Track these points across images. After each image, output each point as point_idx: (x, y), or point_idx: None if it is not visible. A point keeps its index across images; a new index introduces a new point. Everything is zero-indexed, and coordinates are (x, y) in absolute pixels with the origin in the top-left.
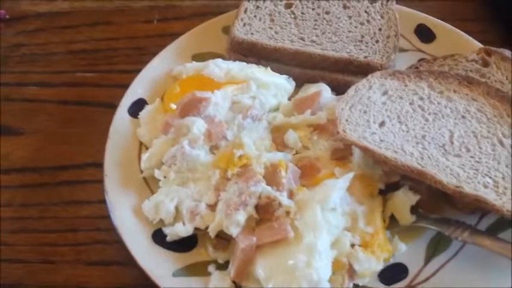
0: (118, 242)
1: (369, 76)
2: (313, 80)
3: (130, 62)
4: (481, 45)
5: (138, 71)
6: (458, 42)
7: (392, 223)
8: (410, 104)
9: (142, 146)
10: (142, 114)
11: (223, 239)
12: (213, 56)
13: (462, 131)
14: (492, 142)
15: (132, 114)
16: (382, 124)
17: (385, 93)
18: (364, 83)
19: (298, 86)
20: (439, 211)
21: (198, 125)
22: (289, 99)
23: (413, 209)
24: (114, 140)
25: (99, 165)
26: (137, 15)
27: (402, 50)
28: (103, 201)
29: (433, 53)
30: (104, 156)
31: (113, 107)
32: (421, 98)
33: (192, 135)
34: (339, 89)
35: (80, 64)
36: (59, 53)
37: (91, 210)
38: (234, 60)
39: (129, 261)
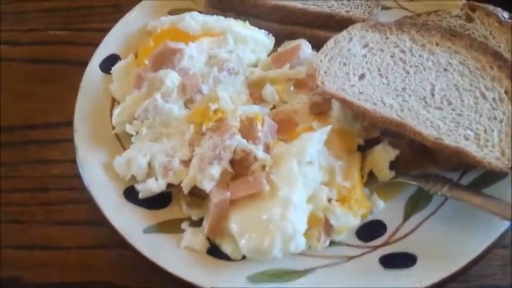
0: (89, 201)
1: (350, 28)
2: (294, 37)
3: (105, 21)
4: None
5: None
6: None
7: (371, 180)
8: (392, 56)
9: (114, 102)
10: (115, 69)
11: (198, 197)
12: (191, 11)
13: (444, 84)
14: (474, 95)
15: (104, 69)
16: (362, 76)
17: (365, 45)
18: (344, 35)
19: (278, 43)
20: (420, 168)
21: (171, 78)
22: (269, 55)
23: (393, 165)
24: (85, 96)
25: (70, 124)
26: None
27: (386, 8)
28: (75, 161)
29: (417, 11)
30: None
31: (85, 64)
32: (403, 51)
33: (165, 89)
34: (320, 46)
35: (53, 22)
36: (31, 11)
37: (63, 169)
38: (212, 14)
39: (100, 220)
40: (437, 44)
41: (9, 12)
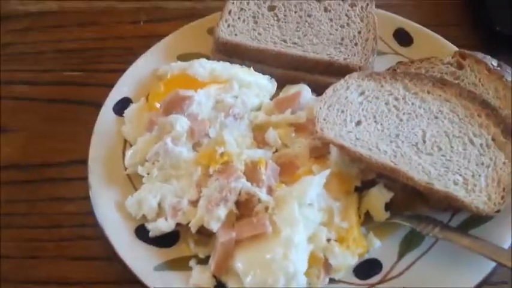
0: (101, 238)
1: (347, 77)
2: (295, 81)
3: (117, 62)
4: (455, 49)
5: (125, 70)
6: (435, 46)
7: (367, 220)
8: (386, 104)
9: (126, 144)
10: (127, 112)
11: (205, 235)
12: (198, 56)
13: (435, 131)
14: (463, 141)
15: (117, 112)
16: (358, 123)
17: (362, 93)
18: (342, 84)
19: (280, 86)
20: (413, 209)
21: (181, 123)
22: (271, 99)
23: (388, 206)
24: (99, 137)
25: (84, 162)
26: (124, 16)
27: (381, 53)
28: (87, 198)
29: (411, 56)
30: (88, 154)
31: (99, 105)
32: (396, 99)
33: (175, 133)
34: (320, 90)
35: (68, 63)
36: (47, 52)
37: (75, 206)
38: (219, 60)
39: (112, 256)
40: (428, 92)
41: (28, 52)
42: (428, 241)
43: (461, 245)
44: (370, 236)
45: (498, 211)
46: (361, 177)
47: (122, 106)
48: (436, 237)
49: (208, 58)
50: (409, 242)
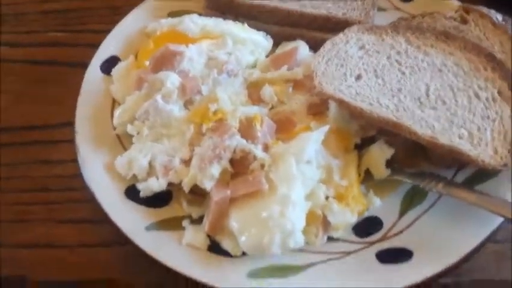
0: (91, 201)
1: (346, 30)
2: (291, 38)
3: (104, 22)
4: (459, 4)
5: (111, 30)
6: (437, 1)
7: (368, 178)
8: (387, 58)
9: (115, 104)
10: (115, 70)
11: (198, 195)
12: (190, 14)
13: (438, 85)
14: (468, 95)
15: (105, 71)
16: (358, 77)
17: (362, 47)
18: (341, 37)
19: (276, 44)
20: (415, 166)
21: (172, 79)
22: (267, 56)
23: (389, 163)
24: (86, 97)
25: (70, 124)
26: None
27: (381, 9)
28: (75, 160)
29: (412, 12)
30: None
31: (85, 66)
32: (398, 52)
33: (165, 90)
34: (317, 47)
35: (52, 24)
36: (30, 13)
37: (64, 169)
38: (211, 16)
39: (102, 218)
40: (432, 46)
41: (10, 14)
42: (430, 198)
43: (466, 201)
44: (371, 194)
45: (505, 165)
46: (361, 134)
47: (109, 65)
48: (440, 193)
49: (200, 15)
50: (411, 200)
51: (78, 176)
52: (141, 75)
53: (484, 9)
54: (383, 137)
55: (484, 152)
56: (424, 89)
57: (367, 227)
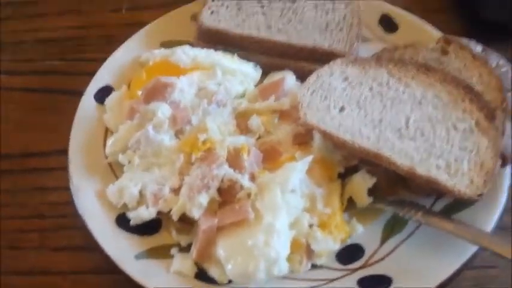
0: (83, 228)
1: (331, 63)
2: (280, 68)
3: (99, 51)
4: (440, 36)
5: (106, 59)
6: (420, 32)
7: (350, 205)
8: (370, 89)
9: (108, 132)
10: (109, 100)
11: (187, 223)
12: (182, 43)
13: (418, 116)
14: (446, 126)
15: (99, 100)
16: (341, 109)
17: (345, 79)
18: (326, 70)
19: (265, 73)
20: (396, 195)
21: (163, 110)
22: (256, 85)
23: (371, 192)
24: (80, 126)
25: (65, 152)
26: (106, 4)
27: (366, 40)
28: (68, 188)
29: (396, 43)
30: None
31: (80, 95)
32: (380, 84)
33: (157, 120)
34: (304, 77)
35: (49, 52)
36: (28, 42)
37: (59, 196)
38: (202, 47)
39: (94, 246)
40: (412, 78)
41: (8, 42)
42: (410, 226)
43: (443, 229)
44: (353, 221)
45: (481, 195)
46: (344, 163)
47: (103, 94)
48: (419, 222)
49: (191, 45)
50: (392, 227)
51: (71, 203)
52: (133, 106)
53: (464, 41)
54: (365, 166)
55: (460, 182)
56: (404, 120)
57: (349, 254)
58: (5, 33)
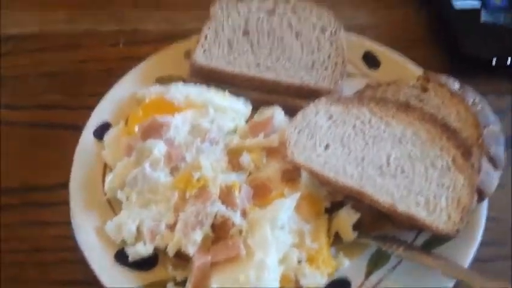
0: (83, 262)
1: (316, 102)
2: (269, 103)
3: (98, 84)
4: (421, 72)
5: (105, 93)
6: (401, 68)
7: (337, 240)
8: (353, 128)
9: (106, 168)
10: (107, 137)
11: (182, 258)
12: (176, 78)
13: (398, 154)
14: (425, 164)
15: (98, 136)
16: (326, 147)
17: (330, 117)
18: (312, 109)
19: (255, 108)
20: (380, 229)
21: (158, 148)
22: (247, 121)
23: (356, 227)
24: (80, 162)
25: (65, 186)
26: (104, 38)
27: (351, 76)
28: (69, 222)
29: (379, 78)
30: (69, 178)
31: (80, 129)
32: (363, 123)
33: (153, 158)
34: (292, 112)
35: (49, 86)
36: (28, 76)
37: (58, 230)
38: (195, 83)
39: (94, 280)
40: (393, 116)
41: (9, 76)
42: (394, 259)
43: (423, 264)
44: (340, 255)
45: (457, 231)
46: (331, 199)
47: (101, 130)
48: (400, 257)
49: (185, 80)
50: (377, 261)
51: (71, 237)
52: (130, 143)
53: (443, 78)
54: (350, 201)
55: (438, 219)
56: (385, 157)
57: (336, 287)
58: (6, 68)
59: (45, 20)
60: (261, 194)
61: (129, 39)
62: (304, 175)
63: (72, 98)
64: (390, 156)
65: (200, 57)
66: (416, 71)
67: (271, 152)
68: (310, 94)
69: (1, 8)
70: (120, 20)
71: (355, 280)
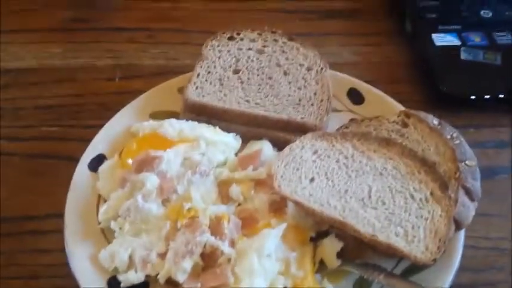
0: None
1: (302, 137)
2: (258, 137)
3: (93, 118)
4: (402, 108)
5: (101, 126)
6: (384, 104)
7: (322, 267)
8: (337, 162)
9: (100, 199)
10: (101, 169)
11: (173, 285)
12: (169, 114)
13: (379, 186)
14: (405, 196)
15: (92, 169)
16: (312, 180)
17: (315, 152)
18: (298, 144)
19: (245, 142)
20: (363, 256)
21: (151, 181)
22: (236, 154)
23: (340, 254)
24: (74, 193)
25: (60, 215)
26: (100, 73)
27: (336, 111)
28: (63, 250)
29: (362, 114)
30: (64, 207)
31: (75, 160)
32: (346, 157)
33: (145, 190)
34: (280, 145)
35: (46, 119)
36: (26, 108)
37: (52, 258)
38: (188, 119)
39: None
40: (374, 151)
41: (8, 108)
42: (376, 285)
43: None
44: (324, 282)
45: (434, 260)
46: (316, 228)
47: (96, 163)
48: (381, 284)
49: (178, 115)
50: (360, 286)
51: (65, 264)
52: (124, 176)
53: (422, 114)
54: (334, 231)
55: (416, 249)
56: (367, 190)
57: None
58: (5, 101)
59: (43, 55)
60: (249, 224)
61: (125, 73)
62: (290, 206)
63: (67, 131)
64: (372, 188)
65: (192, 94)
66: (397, 107)
67: (259, 184)
68: (297, 129)
69: (1, 43)
70: (116, 55)
71: None
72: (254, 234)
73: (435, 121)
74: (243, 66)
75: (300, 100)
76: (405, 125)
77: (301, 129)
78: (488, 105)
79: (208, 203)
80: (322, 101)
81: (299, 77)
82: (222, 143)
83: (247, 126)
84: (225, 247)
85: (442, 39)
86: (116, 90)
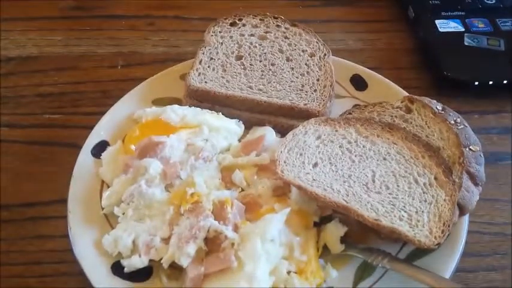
0: (80, 274)
1: (305, 123)
2: (261, 123)
3: (94, 105)
4: (406, 94)
5: (102, 113)
6: (387, 90)
7: (325, 252)
8: (340, 147)
9: (104, 185)
10: (104, 155)
11: (176, 269)
12: (172, 100)
13: (383, 171)
14: (408, 180)
15: (95, 155)
16: (315, 165)
17: (318, 137)
18: (301, 129)
19: (248, 128)
20: (367, 240)
21: (154, 166)
22: (240, 140)
23: (343, 239)
24: (78, 179)
25: (63, 201)
26: (102, 60)
27: (340, 97)
28: (66, 236)
29: (366, 100)
30: (67, 193)
31: (77, 147)
32: (349, 142)
33: (148, 175)
34: (283, 131)
35: (47, 106)
36: (28, 96)
37: (55, 244)
38: (190, 105)
39: None
40: (378, 136)
41: (9, 96)
42: (379, 270)
43: (405, 275)
44: (328, 267)
45: (438, 244)
46: (319, 213)
47: (99, 149)
48: (385, 268)
49: (180, 102)
50: (363, 271)
51: (68, 250)
52: (127, 162)
53: (426, 100)
54: (338, 215)
55: (420, 233)
56: (371, 175)
57: None
58: (7, 88)
59: (44, 43)
60: (252, 209)
61: (127, 61)
62: (294, 191)
63: (69, 118)
64: (375, 173)
65: (195, 80)
66: (401, 92)
67: (262, 169)
68: (299, 115)
69: (2, 31)
70: (117, 43)
71: None
72: (257, 219)
73: (439, 106)
74: (245, 52)
75: (302, 86)
76: (409, 111)
77: (304, 115)
78: (492, 91)
79: (212, 188)
80: (325, 87)
81: (302, 63)
82: (225, 129)
83: (250, 112)
84: (228, 232)
85: (445, 25)
86: (118, 78)
